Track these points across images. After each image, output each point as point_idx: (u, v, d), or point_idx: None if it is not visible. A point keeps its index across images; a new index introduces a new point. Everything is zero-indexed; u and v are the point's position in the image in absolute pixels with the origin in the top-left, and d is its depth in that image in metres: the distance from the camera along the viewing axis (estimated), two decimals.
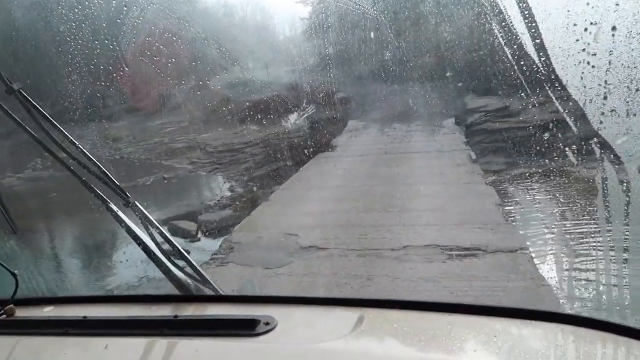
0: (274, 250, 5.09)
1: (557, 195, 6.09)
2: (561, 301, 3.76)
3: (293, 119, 13.92)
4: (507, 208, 5.83)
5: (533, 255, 4.56)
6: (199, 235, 7.01)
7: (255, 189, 9.16)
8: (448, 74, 13.56)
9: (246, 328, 1.08)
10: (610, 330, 1.01)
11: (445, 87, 13.22)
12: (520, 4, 6.11)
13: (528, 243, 4.82)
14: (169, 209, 8.13)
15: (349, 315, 1.13)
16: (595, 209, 5.30)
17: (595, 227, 4.88)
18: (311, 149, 10.03)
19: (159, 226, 1.43)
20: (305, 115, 14.21)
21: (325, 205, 6.33)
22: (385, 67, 13.82)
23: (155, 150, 13.96)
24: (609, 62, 4.64)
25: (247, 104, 14.45)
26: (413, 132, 10.60)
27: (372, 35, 14.40)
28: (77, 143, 1.42)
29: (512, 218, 5.55)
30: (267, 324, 1.09)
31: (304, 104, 15.19)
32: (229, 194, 9.67)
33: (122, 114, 15.97)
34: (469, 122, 11.32)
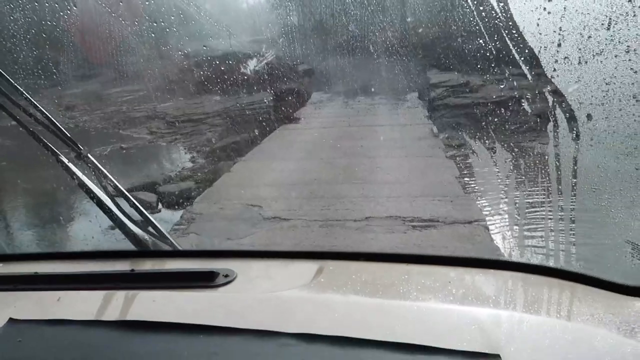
0: (237, 221, 5.04)
1: (514, 159, 6.27)
2: None
3: (256, 90, 13.67)
4: (465, 180, 5.98)
5: (489, 225, 4.71)
6: (159, 206, 6.89)
7: (217, 160, 9.01)
8: (413, 48, 13.58)
9: (205, 280, 1.07)
10: (556, 275, 1.05)
11: (409, 62, 13.26)
12: None
13: (485, 214, 4.98)
14: (127, 180, 7.89)
15: (309, 266, 1.13)
16: (547, 162, 5.42)
17: (546, 185, 4.99)
18: (274, 121, 9.91)
19: (113, 179, 1.37)
20: (269, 86, 13.98)
21: (288, 177, 6.30)
22: (350, 39, 13.70)
23: (113, 119, 13.47)
24: (564, 8, 4.63)
25: (209, 73, 14.08)
26: (377, 105, 10.63)
27: (337, 6, 14.19)
28: (23, 91, 1.34)
29: (470, 190, 5.70)
30: (226, 276, 1.08)
31: (267, 75, 14.92)
32: (190, 165, 9.47)
33: (75, 81, 15.25)
34: (432, 96, 11.46)
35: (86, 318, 0.99)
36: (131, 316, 1.00)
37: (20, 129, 1.32)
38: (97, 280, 1.12)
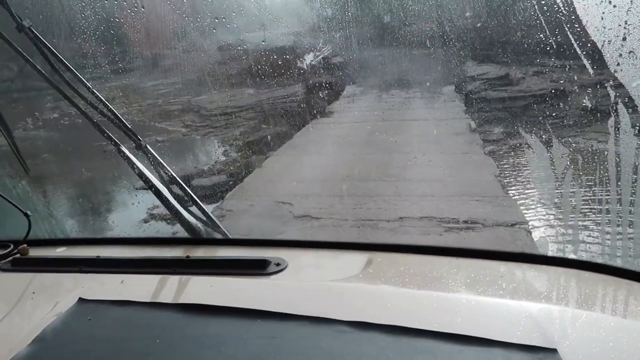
0: (267, 219, 4.90)
1: (560, 156, 5.88)
2: None
3: (289, 83, 13.52)
4: (505, 179, 5.64)
5: (531, 229, 4.40)
6: (145, 223, 6.57)
7: (249, 154, 8.92)
8: (449, 40, 13.11)
9: (257, 268, 1.09)
10: (611, 273, 1.02)
11: (445, 53, 12.81)
12: None
13: (527, 216, 4.65)
14: (116, 185, 7.63)
15: (358, 258, 1.14)
16: (605, 158, 5.15)
17: (603, 181, 4.76)
18: (307, 114, 9.72)
19: (170, 170, 1.41)
20: (302, 79, 13.81)
21: (320, 173, 6.11)
22: (384, 31, 13.34)
23: (149, 112, 13.59)
24: (631, 2, 4.54)
25: (244, 66, 14.03)
26: (411, 99, 10.27)
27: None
28: (88, 84, 1.37)
29: (511, 189, 5.36)
30: (277, 264, 1.10)
31: (301, 68, 14.75)
32: (223, 158, 9.42)
33: (115, 74, 15.51)
34: (470, 89, 11.00)
35: (147, 300, 1.03)
36: (188, 299, 1.01)
37: (85, 120, 1.35)
38: (155, 265, 1.16)
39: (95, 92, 1.37)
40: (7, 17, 1.20)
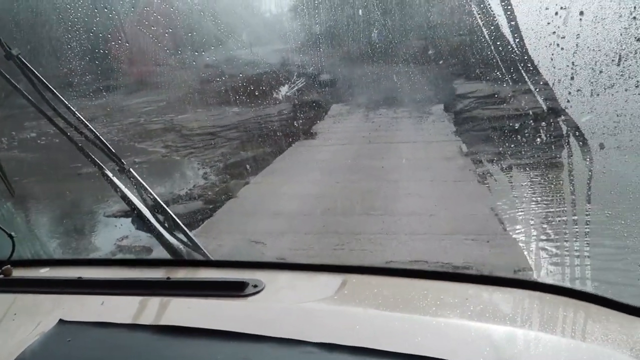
0: None
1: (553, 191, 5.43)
2: None
3: (274, 102, 12.94)
4: (503, 213, 5.01)
5: (534, 274, 3.79)
6: (128, 244, 6.05)
7: (228, 178, 8.30)
8: (437, 58, 12.65)
9: (235, 290, 1.10)
10: (571, 295, 1.04)
11: (433, 72, 12.31)
12: None
13: (529, 260, 4.03)
14: (98, 207, 7.14)
15: (333, 279, 1.15)
16: (561, 186, 5.34)
17: (561, 208, 4.85)
18: (290, 136, 9.08)
19: (152, 192, 1.42)
20: (288, 97, 13.25)
21: (299, 205, 5.44)
22: (372, 49, 12.83)
23: (129, 132, 12.91)
24: (576, 45, 4.82)
25: (228, 84, 13.47)
26: (399, 119, 9.67)
27: (359, 16, 13.39)
28: (73, 109, 1.39)
29: (509, 226, 4.74)
30: (255, 286, 1.10)
31: (287, 86, 14.20)
32: (201, 182, 8.80)
33: (98, 91, 14.84)
34: (459, 108, 10.47)
35: (127, 322, 1.02)
36: (168, 321, 1.00)
37: (70, 143, 1.35)
38: (136, 286, 1.15)
39: (81, 117, 1.37)
40: None
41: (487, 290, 1.10)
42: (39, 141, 10.49)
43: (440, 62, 12.35)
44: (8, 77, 1.27)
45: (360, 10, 12.87)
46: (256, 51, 15.32)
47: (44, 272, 1.32)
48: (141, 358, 0.89)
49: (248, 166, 7.72)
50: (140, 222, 1.37)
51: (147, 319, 1.05)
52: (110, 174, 1.35)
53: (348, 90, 12.21)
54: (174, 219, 1.40)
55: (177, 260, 1.33)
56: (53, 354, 0.91)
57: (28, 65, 1.28)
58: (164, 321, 1.01)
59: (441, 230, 4.54)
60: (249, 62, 14.15)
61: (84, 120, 1.39)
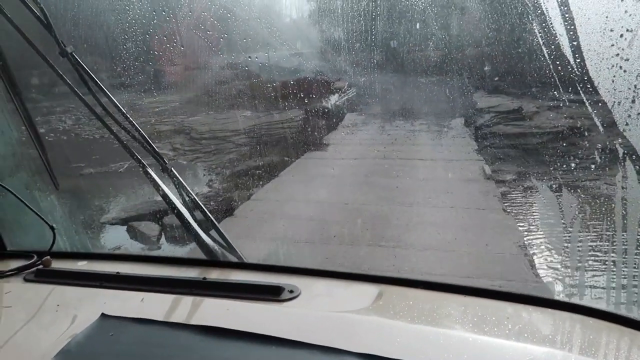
0: None
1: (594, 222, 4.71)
2: None
3: (288, 107, 12.33)
4: (534, 252, 4.28)
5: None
6: (161, 241, 5.70)
7: (232, 188, 7.70)
8: (458, 68, 11.88)
9: (271, 294, 1.08)
10: (615, 321, 0.99)
11: (454, 82, 11.55)
12: (562, 7, 5.90)
13: (572, 284, 3.35)
14: (137, 204, 6.87)
15: (369, 289, 1.12)
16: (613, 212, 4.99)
17: (610, 232, 4.55)
18: (300, 146, 8.44)
19: (192, 193, 1.39)
20: (302, 103, 12.62)
21: (301, 231, 4.76)
22: (391, 57, 12.13)
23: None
24: None
25: (243, 87, 12.91)
26: (417, 133, 8.95)
27: (379, 23, 12.73)
28: (122, 108, 1.39)
29: (541, 269, 4.01)
30: (291, 291, 1.08)
31: (302, 91, 13.57)
32: (205, 190, 8.24)
33: (112, 89, 14.41)
34: (480, 123, 9.71)
35: (166, 319, 1.03)
36: (204, 321, 0.99)
37: (115, 140, 1.32)
38: (173, 285, 1.14)
39: (128, 116, 1.37)
40: (52, 42, 1.21)
41: (527, 310, 1.04)
42: (84, 136, 10.73)
43: (469, 80, 11.61)
44: (61, 73, 1.26)
45: (379, 22, 12.19)
46: (275, 55, 14.74)
47: (82, 265, 1.31)
48: (180, 356, 0.88)
49: (253, 177, 7.09)
50: (178, 221, 1.30)
51: (184, 318, 1.04)
52: (152, 173, 1.32)
53: (364, 99, 11.51)
54: (212, 220, 1.38)
55: (212, 261, 1.29)
56: (96, 347, 0.92)
57: (81, 62, 1.27)
58: (201, 321, 1.00)
59: (462, 272, 3.83)
60: (266, 65, 13.59)
61: (130, 119, 1.36)
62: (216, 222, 1.39)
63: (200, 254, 1.29)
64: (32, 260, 1.27)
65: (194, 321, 1.01)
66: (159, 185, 1.31)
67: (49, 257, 1.26)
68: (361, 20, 12.77)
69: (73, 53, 1.26)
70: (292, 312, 1.04)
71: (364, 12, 12.78)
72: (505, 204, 5.34)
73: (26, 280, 1.21)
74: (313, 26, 16.25)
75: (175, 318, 1.04)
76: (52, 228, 1.29)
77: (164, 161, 1.39)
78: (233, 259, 1.35)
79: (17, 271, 1.25)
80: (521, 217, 5.04)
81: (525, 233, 4.64)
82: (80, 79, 1.28)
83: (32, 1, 1.20)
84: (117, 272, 1.20)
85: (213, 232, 1.37)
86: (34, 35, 1.25)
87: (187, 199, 1.38)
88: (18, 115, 1.37)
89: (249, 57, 13.52)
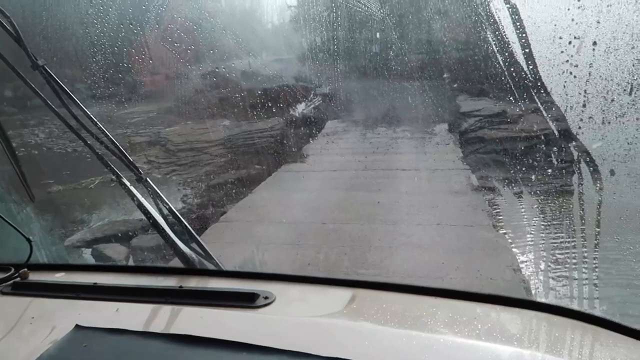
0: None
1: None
2: None
3: (267, 115, 11.80)
4: (530, 277, 3.80)
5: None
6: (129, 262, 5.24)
7: (205, 204, 7.15)
8: (439, 75, 11.49)
9: (246, 300, 1.08)
10: (579, 318, 1.01)
11: (436, 88, 11.13)
12: (513, 16, 6.20)
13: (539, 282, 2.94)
14: (104, 224, 6.32)
15: (343, 293, 1.13)
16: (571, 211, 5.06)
17: (570, 230, 4.68)
18: (277, 157, 7.89)
19: (168, 202, 1.40)
20: (281, 111, 12.11)
21: (272, 259, 4.20)
22: (372, 64, 11.68)
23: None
24: (589, 74, 4.77)
25: (222, 96, 12.35)
26: (400, 140, 8.45)
27: (360, 29, 12.32)
28: (95, 119, 1.39)
29: (540, 297, 3.52)
30: (266, 297, 1.08)
31: (282, 99, 13.07)
32: (179, 206, 7.67)
33: (89, 99, 13.73)
34: (465, 128, 9.27)
35: (141, 329, 1.01)
36: (180, 330, 0.99)
37: (90, 151, 1.33)
38: (149, 294, 1.13)
39: (101, 126, 1.36)
40: (23, 56, 1.22)
41: (495, 310, 1.05)
42: (58, 149, 10.39)
43: (452, 85, 11.26)
44: (33, 86, 1.26)
45: (361, 27, 11.77)
46: (254, 62, 14.20)
47: (59, 277, 1.28)
48: None
49: (226, 194, 6.54)
50: (155, 230, 1.25)
51: (159, 327, 1.04)
52: (127, 183, 1.30)
53: (345, 105, 11.01)
54: (188, 228, 1.37)
55: (190, 270, 1.26)
56: (70, 358, 0.91)
57: (53, 75, 1.27)
58: (176, 329, 1.00)
59: None
60: (245, 73, 13.08)
61: (104, 129, 1.36)
62: (193, 231, 1.38)
63: (178, 263, 1.27)
64: (9, 273, 1.24)
65: (169, 330, 1.00)
66: (135, 196, 1.29)
67: (26, 269, 1.24)
68: (342, 26, 12.33)
69: (45, 66, 1.25)
70: (267, 318, 1.03)
71: (344, 18, 12.34)
72: (495, 220, 4.86)
73: (3, 293, 1.19)
74: (294, 33, 15.78)
75: (151, 327, 1.03)
76: (28, 240, 1.27)
77: (139, 172, 1.37)
78: (211, 266, 1.34)
79: None
80: (513, 236, 4.55)
81: (518, 255, 4.16)
82: (53, 91, 1.27)
83: (2, 14, 1.19)
84: (94, 283, 1.18)
85: (190, 241, 1.36)
86: (3, 48, 1.23)
87: (163, 208, 1.36)
88: None
89: (228, 64, 13.00)
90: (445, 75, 11.48)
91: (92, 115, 1.36)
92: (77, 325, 0.98)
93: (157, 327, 1.04)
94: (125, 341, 0.95)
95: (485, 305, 1.06)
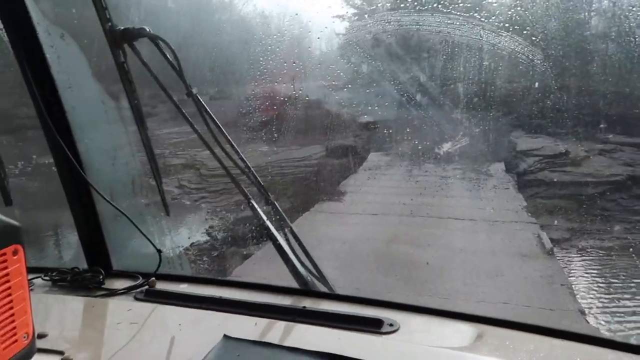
0: None
1: None
2: None
3: (307, 143, 10.98)
4: None
5: None
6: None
7: (229, 242, 6.34)
8: (494, 107, 10.28)
9: (372, 326, 1.08)
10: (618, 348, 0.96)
11: (491, 122, 9.92)
12: None
13: None
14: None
15: (469, 329, 1.08)
16: None
17: None
18: (313, 192, 6.94)
19: (291, 225, 1.42)
20: (323, 139, 11.27)
21: None
22: (420, 93, 10.66)
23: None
24: None
25: (265, 119, 11.67)
26: (450, 180, 7.30)
27: (408, 57, 11.40)
28: (234, 145, 1.43)
29: None
30: (391, 325, 1.08)
31: (324, 126, 12.26)
32: (202, 239, 6.91)
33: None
34: (523, 168, 8.02)
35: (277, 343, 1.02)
36: (315, 348, 0.97)
37: (225, 175, 1.38)
38: (277, 311, 1.15)
39: (239, 152, 1.39)
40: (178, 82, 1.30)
41: (628, 357, 0.94)
42: (197, 170, 10.67)
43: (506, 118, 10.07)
44: (184, 112, 1.34)
45: (409, 55, 10.86)
46: (301, 87, 13.58)
47: (184, 288, 1.31)
48: None
49: (249, 239, 5.70)
50: (276, 251, 1.25)
51: (295, 344, 1.02)
52: (256, 205, 1.33)
53: (391, 136, 9.97)
54: (307, 250, 1.39)
55: (305, 290, 1.26)
56: None
57: (202, 103, 1.34)
58: (311, 347, 0.98)
59: None
60: (292, 97, 12.45)
61: (242, 156, 1.39)
62: (310, 254, 1.38)
63: (292, 283, 1.25)
64: (140, 281, 1.28)
65: (305, 347, 0.99)
66: (262, 218, 1.31)
67: (154, 278, 1.27)
68: (390, 53, 11.46)
69: (197, 94, 1.33)
70: (393, 345, 1.02)
71: (393, 46, 11.46)
72: (582, 301, 3.63)
73: (136, 299, 1.23)
74: (341, 59, 15.10)
75: (286, 343, 1.03)
76: (159, 251, 1.30)
77: (268, 194, 1.40)
78: (323, 288, 1.33)
79: (127, 290, 1.27)
80: (609, 326, 3.32)
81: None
82: (200, 117, 1.34)
83: (167, 47, 1.28)
84: (220, 297, 1.19)
85: (307, 263, 1.36)
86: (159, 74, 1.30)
87: (286, 230, 1.38)
88: (142, 148, 1.44)
89: (269, 87, 12.40)
90: (498, 108, 10.27)
91: (233, 142, 1.39)
92: (225, 336, 1.01)
93: (293, 343, 1.02)
94: (274, 355, 0.97)
95: (618, 352, 0.96)
